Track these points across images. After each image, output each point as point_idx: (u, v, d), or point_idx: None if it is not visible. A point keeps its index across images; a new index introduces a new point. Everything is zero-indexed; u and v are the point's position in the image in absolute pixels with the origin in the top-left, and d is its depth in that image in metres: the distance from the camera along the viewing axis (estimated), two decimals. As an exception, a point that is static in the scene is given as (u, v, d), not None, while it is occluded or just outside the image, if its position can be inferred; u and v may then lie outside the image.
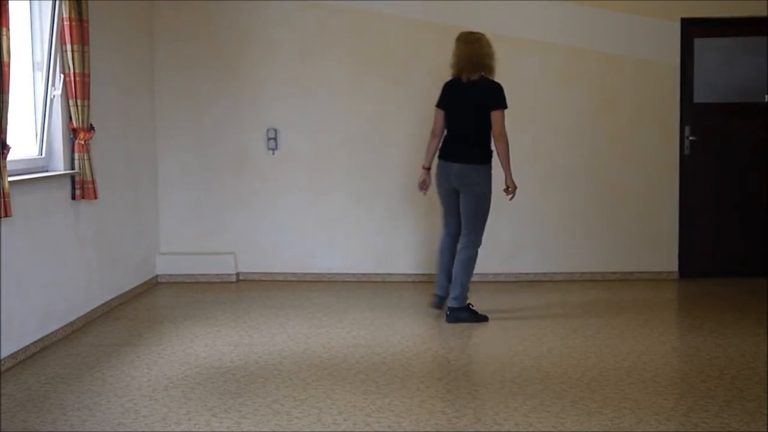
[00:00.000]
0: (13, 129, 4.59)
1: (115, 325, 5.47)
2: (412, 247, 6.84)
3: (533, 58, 6.71)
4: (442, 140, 5.49)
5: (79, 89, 5.16)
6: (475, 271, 6.80)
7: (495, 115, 5.29)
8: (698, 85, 6.75)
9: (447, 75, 6.75)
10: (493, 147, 5.38)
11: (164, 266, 6.86)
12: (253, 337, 5.11)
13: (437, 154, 5.52)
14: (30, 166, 5.01)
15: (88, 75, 5.22)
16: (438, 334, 5.15)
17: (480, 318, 5.46)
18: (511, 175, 5.42)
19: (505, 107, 5.33)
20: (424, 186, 5.64)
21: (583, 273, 6.83)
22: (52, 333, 4.99)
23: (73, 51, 5.09)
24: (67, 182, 5.25)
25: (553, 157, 6.79)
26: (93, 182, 5.31)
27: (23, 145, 5.03)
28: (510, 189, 5.47)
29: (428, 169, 5.59)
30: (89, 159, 5.29)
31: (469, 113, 5.35)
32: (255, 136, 6.85)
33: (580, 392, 4.02)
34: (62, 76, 5.17)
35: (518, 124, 6.78)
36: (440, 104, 5.50)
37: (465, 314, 5.42)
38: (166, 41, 6.78)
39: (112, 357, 4.70)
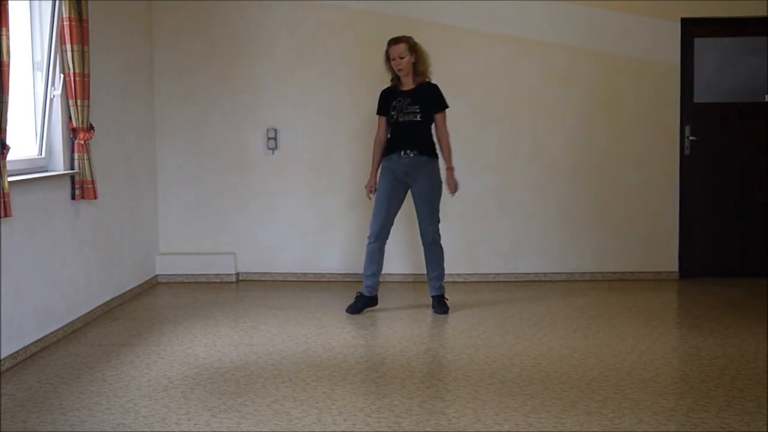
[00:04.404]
0: (13, 129, 4.58)
1: (114, 325, 5.47)
2: (412, 247, 6.84)
3: (533, 58, 6.71)
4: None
5: (78, 89, 5.16)
6: (475, 271, 6.86)
7: None
8: (698, 85, 6.75)
9: (448, 74, 6.78)
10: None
11: (164, 266, 6.86)
12: (253, 337, 5.11)
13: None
14: (30, 166, 5.01)
15: (88, 75, 5.22)
16: (438, 334, 5.15)
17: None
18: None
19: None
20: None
21: (583, 273, 6.83)
22: (51, 333, 4.98)
23: (73, 51, 5.09)
24: (67, 182, 5.24)
25: (552, 157, 6.79)
26: (93, 182, 5.31)
27: (23, 145, 5.03)
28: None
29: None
30: (89, 159, 5.28)
31: None
32: (255, 136, 6.86)
33: (580, 392, 4.02)
34: (62, 76, 5.16)
35: (518, 124, 6.80)
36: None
37: None
38: (165, 41, 6.78)
39: (112, 357, 4.70)
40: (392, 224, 5.74)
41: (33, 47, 5.10)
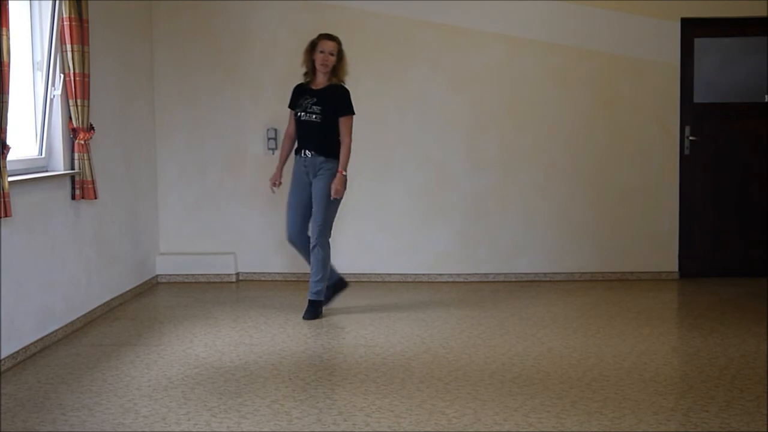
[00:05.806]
0: (13, 129, 4.59)
1: (114, 325, 5.47)
2: (413, 247, 6.84)
3: (533, 58, 6.71)
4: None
5: (79, 89, 5.16)
6: (475, 271, 6.86)
7: None
8: (698, 85, 6.75)
9: (447, 74, 6.79)
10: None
11: (164, 266, 6.86)
12: (253, 337, 5.11)
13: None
14: (30, 166, 5.01)
15: (88, 75, 5.22)
16: (438, 334, 5.15)
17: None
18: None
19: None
20: None
21: (583, 273, 6.83)
22: (52, 333, 4.98)
23: (73, 51, 5.09)
24: (67, 182, 5.25)
25: (552, 157, 6.78)
26: (93, 182, 5.31)
27: (23, 145, 5.03)
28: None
29: None
30: (89, 159, 5.28)
31: None
32: (255, 136, 6.85)
33: (580, 392, 4.02)
34: (62, 76, 5.17)
35: (518, 124, 6.80)
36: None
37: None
38: (165, 41, 6.78)
39: (112, 357, 4.70)
40: (305, 224, 5.62)
41: (33, 47, 5.10)
